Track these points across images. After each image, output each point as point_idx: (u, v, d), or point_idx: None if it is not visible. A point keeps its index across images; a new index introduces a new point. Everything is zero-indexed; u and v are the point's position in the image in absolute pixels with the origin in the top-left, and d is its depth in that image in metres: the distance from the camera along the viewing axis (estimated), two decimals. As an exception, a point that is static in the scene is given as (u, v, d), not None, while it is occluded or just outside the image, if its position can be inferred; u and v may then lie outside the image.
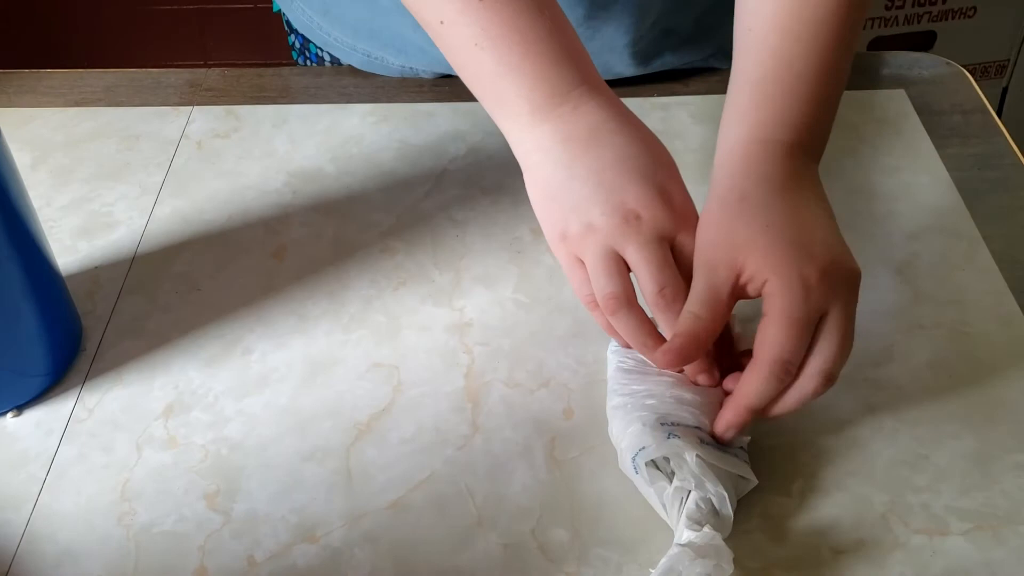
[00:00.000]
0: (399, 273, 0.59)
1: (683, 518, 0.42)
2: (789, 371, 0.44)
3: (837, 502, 0.46)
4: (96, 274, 0.59)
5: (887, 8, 1.37)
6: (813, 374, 0.44)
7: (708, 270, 0.46)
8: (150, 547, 0.45)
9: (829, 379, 0.44)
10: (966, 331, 0.54)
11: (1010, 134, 0.67)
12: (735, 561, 0.44)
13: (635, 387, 0.48)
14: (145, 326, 0.56)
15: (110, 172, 0.66)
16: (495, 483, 0.47)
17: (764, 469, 0.47)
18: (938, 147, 0.66)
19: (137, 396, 0.52)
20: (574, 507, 0.46)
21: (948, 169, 0.64)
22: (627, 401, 0.47)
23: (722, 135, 0.51)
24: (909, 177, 0.64)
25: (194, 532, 0.46)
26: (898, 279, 0.57)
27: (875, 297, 0.56)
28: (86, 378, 0.53)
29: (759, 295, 0.45)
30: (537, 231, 0.61)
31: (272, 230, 0.62)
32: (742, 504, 0.46)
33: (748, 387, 0.44)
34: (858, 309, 0.55)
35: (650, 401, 0.46)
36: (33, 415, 0.51)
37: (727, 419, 0.45)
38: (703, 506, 0.42)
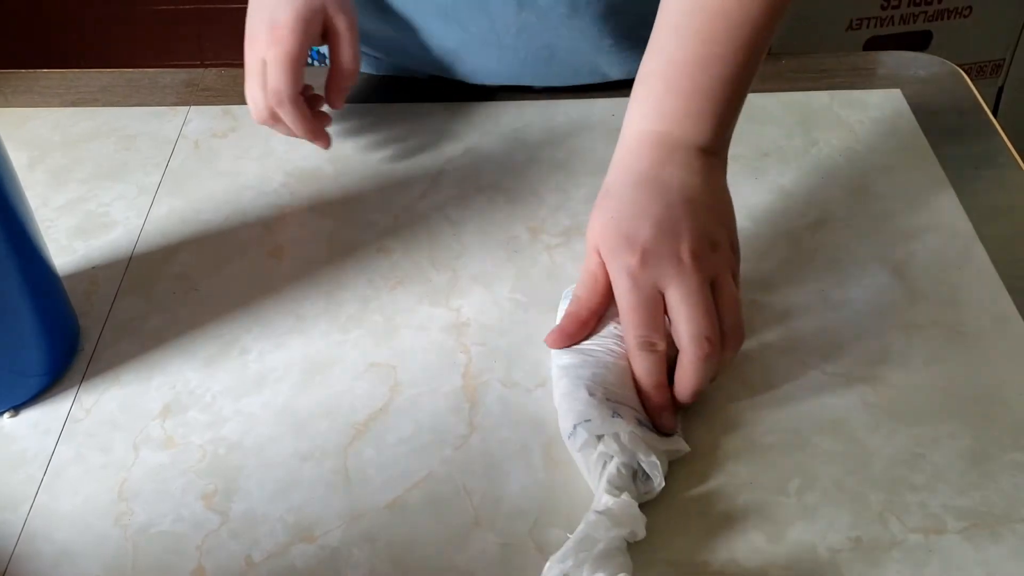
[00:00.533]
0: (396, 273, 0.59)
1: (603, 482, 0.44)
2: (651, 347, 0.48)
3: (834, 501, 0.46)
4: (93, 274, 0.59)
5: (883, 8, 1.37)
6: (686, 345, 0.47)
7: (587, 255, 0.51)
8: (148, 547, 0.45)
9: (706, 340, 0.47)
10: (962, 330, 0.54)
11: (1006, 133, 0.67)
12: (733, 561, 0.44)
13: (585, 344, 0.50)
14: (142, 326, 0.56)
15: (107, 172, 0.66)
16: (492, 483, 0.47)
17: (761, 468, 0.48)
18: (934, 146, 0.66)
19: (134, 396, 0.52)
20: (571, 507, 0.46)
21: (944, 168, 0.64)
22: (576, 361, 0.49)
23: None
24: (905, 176, 0.64)
25: (192, 532, 0.46)
26: (894, 278, 0.57)
27: (871, 296, 0.56)
28: (83, 378, 0.53)
29: None
30: (534, 229, 0.61)
31: (269, 230, 0.62)
32: (739, 504, 0.46)
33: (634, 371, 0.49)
34: (855, 308, 0.55)
35: (599, 370, 0.48)
36: (30, 415, 0.51)
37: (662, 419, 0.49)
38: (624, 472, 0.44)
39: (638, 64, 0.72)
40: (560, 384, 0.49)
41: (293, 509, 0.47)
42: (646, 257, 0.48)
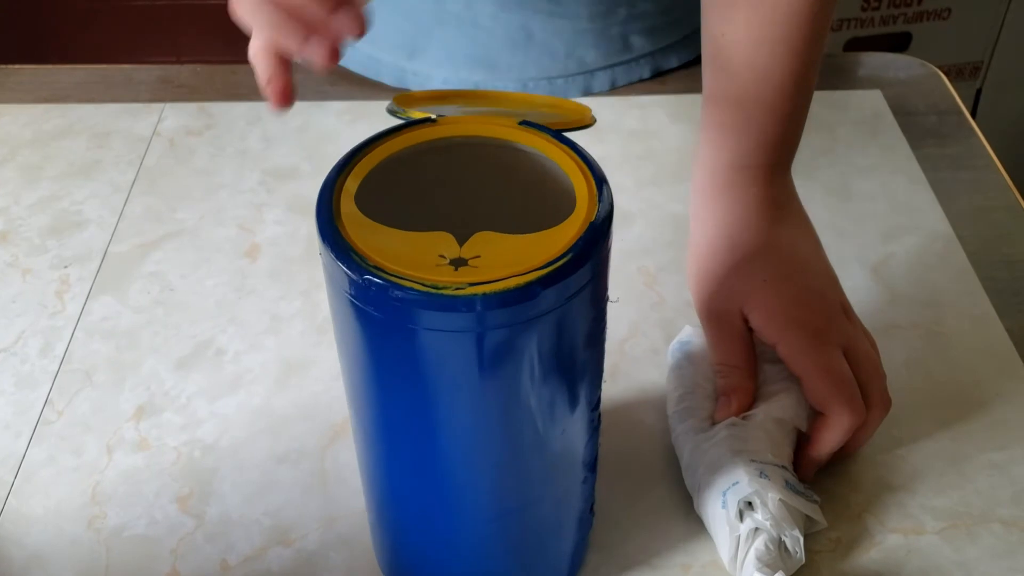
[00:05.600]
0: (375, 273, 0.58)
1: (752, 559, 0.41)
2: (858, 409, 0.44)
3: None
4: (66, 274, 0.58)
5: (863, 9, 1.37)
6: (877, 401, 0.45)
7: (719, 322, 0.47)
8: (121, 551, 0.45)
9: (887, 400, 0.46)
10: (941, 331, 0.54)
11: (984, 135, 0.68)
12: (714, 563, 0.44)
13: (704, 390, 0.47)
14: (116, 326, 0.55)
15: (80, 170, 0.65)
16: (472, 484, 0.47)
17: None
18: (913, 148, 0.66)
19: (107, 397, 0.51)
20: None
21: (923, 169, 0.65)
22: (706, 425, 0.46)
23: (702, 156, 0.50)
24: (885, 177, 0.64)
25: (166, 536, 0.45)
26: (874, 279, 0.57)
27: (851, 297, 0.56)
28: (55, 379, 0.52)
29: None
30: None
31: (246, 229, 0.61)
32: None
33: (829, 439, 0.45)
34: (834, 309, 0.55)
35: (735, 430, 0.45)
36: (0, 417, 0.50)
37: (808, 471, 0.46)
38: (771, 548, 0.42)
39: (614, 49, 0.71)
40: (687, 442, 0.46)
41: (269, 512, 0.46)
42: (829, 314, 0.46)
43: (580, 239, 0.31)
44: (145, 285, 0.57)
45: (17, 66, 0.74)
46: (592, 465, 0.40)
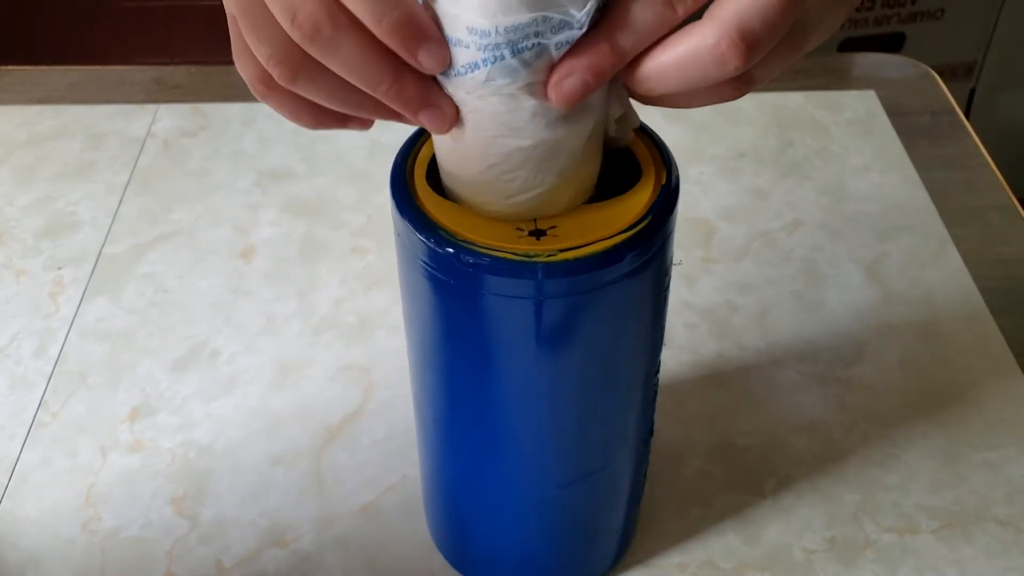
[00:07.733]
0: (370, 273, 0.58)
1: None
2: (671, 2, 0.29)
3: (809, 501, 0.46)
4: (60, 275, 0.58)
5: (857, 10, 1.38)
6: (710, 20, 0.28)
7: None
8: (116, 553, 0.45)
9: (742, 37, 0.28)
10: (935, 330, 0.54)
11: (977, 135, 0.68)
12: (710, 562, 0.44)
13: None
14: (110, 328, 0.55)
15: (74, 171, 0.65)
16: (468, 485, 0.47)
17: (738, 469, 0.47)
18: (907, 148, 0.67)
19: (102, 399, 0.51)
20: (547, 509, 0.46)
21: (917, 169, 0.65)
22: None
23: None
24: (879, 177, 0.65)
25: (161, 537, 0.45)
26: (868, 279, 0.57)
27: (845, 296, 0.56)
28: (49, 381, 0.52)
29: None
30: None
31: (241, 230, 0.61)
32: (715, 505, 0.46)
33: (630, 20, 0.29)
34: (829, 309, 0.55)
35: None
36: (-5, 419, 0.50)
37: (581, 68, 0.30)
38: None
39: None
40: None
41: (265, 513, 0.46)
42: None
43: (657, 201, 0.32)
44: (140, 286, 0.57)
45: (10, 67, 0.74)
46: (651, 432, 0.41)
